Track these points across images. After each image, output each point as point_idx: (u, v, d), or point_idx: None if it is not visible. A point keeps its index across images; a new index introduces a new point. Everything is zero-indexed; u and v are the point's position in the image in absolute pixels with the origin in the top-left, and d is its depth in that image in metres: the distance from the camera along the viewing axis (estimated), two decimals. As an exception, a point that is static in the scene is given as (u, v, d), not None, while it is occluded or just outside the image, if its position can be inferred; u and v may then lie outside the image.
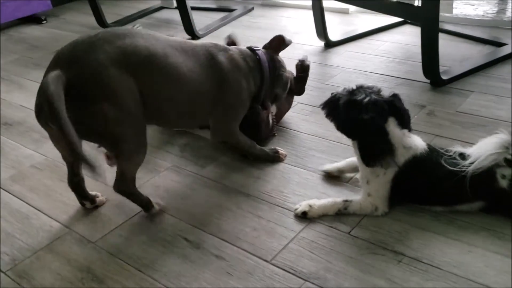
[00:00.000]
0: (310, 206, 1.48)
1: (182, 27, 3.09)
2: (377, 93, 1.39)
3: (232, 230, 1.46)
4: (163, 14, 3.77)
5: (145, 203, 1.52)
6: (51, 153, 1.96)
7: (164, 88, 1.44)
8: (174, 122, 1.63)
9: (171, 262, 1.36)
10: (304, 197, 1.56)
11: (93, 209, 1.60)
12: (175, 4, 3.36)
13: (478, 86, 2.14)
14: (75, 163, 1.54)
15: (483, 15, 2.86)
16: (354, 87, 1.42)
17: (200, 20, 3.35)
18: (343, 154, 1.74)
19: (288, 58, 2.63)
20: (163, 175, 1.74)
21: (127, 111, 1.34)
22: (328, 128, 1.91)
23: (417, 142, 1.42)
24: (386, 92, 1.42)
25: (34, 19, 3.86)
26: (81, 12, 3.99)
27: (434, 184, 1.40)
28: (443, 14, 2.79)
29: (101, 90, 1.29)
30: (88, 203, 1.60)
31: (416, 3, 2.63)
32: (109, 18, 3.56)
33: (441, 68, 2.17)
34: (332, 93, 1.46)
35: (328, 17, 2.72)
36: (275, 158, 1.75)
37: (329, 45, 2.75)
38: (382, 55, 2.57)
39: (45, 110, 1.28)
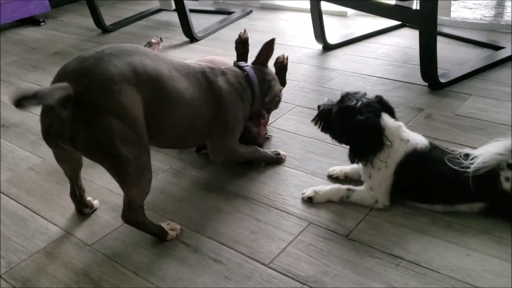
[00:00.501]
0: (316, 192, 1.54)
1: (180, 30, 3.09)
2: (364, 96, 1.46)
3: (230, 233, 1.45)
4: (162, 16, 3.77)
5: (158, 232, 1.44)
6: (48, 155, 1.95)
7: (168, 110, 1.41)
8: (172, 143, 1.60)
9: (169, 266, 1.36)
10: (303, 200, 1.55)
11: (91, 212, 1.60)
12: (173, 7, 3.36)
13: (476, 89, 2.14)
14: (78, 178, 1.54)
15: (480, 19, 2.86)
16: (342, 95, 1.47)
17: (198, 22, 3.35)
18: (341, 156, 1.74)
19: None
20: (161, 177, 1.73)
21: (135, 129, 1.28)
22: (326, 131, 1.91)
23: (416, 137, 1.46)
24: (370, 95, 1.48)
25: (32, 21, 3.86)
26: (79, 14, 3.98)
27: (435, 180, 1.41)
28: (441, 17, 2.78)
29: (110, 104, 1.24)
30: (88, 209, 1.59)
31: (414, 6, 2.64)
32: (108, 20, 3.56)
33: (439, 71, 2.17)
34: (318, 106, 1.52)
35: (326, 20, 2.72)
36: (278, 160, 1.76)
37: (327, 48, 2.75)
38: (380, 58, 2.57)
39: (54, 130, 1.27)
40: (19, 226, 1.57)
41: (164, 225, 1.45)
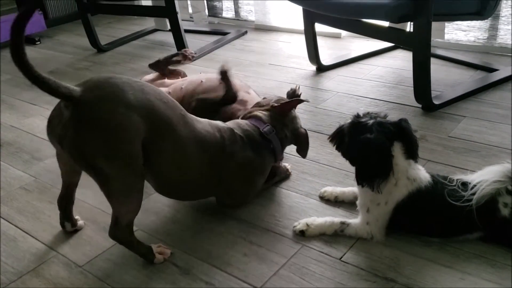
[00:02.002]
0: (308, 225, 1.48)
1: (175, 50, 3.10)
2: (383, 118, 1.38)
3: (222, 255, 1.44)
4: (157, 36, 3.79)
5: (145, 253, 1.42)
6: (41, 174, 1.94)
7: (165, 158, 1.40)
8: (168, 191, 1.57)
9: (160, 288, 1.34)
10: (296, 221, 1.54)
11: (81, 233, 1.58)
12: (168, 27, 3.37)
13: (470, 111, 2.15)
14: (71, 185, 1.53)
15: (474, 41, 2.89)
16: (358, 114, 1.41)
17: (193, 42, 3.36)
18: (335, 177, 1.74)
19: (279, 81, 2.64)
20: (153, 198, 1.72)
21: (126, 151, 1.27)
22: (319, 151, 1.91)
23: (422, 174, 1.39)
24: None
25: (28, 40, 3.86)
26: (74, 33, 4.00)
27: (435, 217, 1.38)
28: (434, 39, 2.81)
29: (108, 120, 1.24)
30: (69, 225, 1.58)
31: (408, 29, 2.66)
32: (103, 40, 3.57)
33: (433, 93, 2.18)
34: (339, 124, 1.45)
35: (320, 41, 2.74)
36: (288, 175, 1.79)
37: (321, 69, 2.76)
38: (374, 80, 2.58)
39: (52, 125, 1.29)
40: (10, 246, 1.55)
41: (154, 247, 1.43)
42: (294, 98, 1.78)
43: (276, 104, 1.66)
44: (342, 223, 1.46)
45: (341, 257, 1.39)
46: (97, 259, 1.46)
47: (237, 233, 1.52)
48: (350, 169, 1.77)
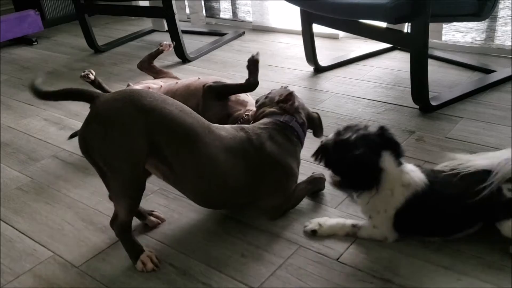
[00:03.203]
0: (320, 225, 1.48)
1: (173, 50, 3.09)
2: (365, 129, 1.35)
3: (220, 256, 1.44)
4: (154, 37, 3.78)
5: (132, 255, 1.41)
6: (37, 175, 1.94)
7: (191, 167, 1.39)
8: (225, 205, 1.57)
9: (156, 289, 1.34)
10: (293, 221, 1.54)
11: (78, 233, 1.58)
12: (166, 27, 3.37)
13: (467, 113, 2.15)
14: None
15: (472, 42, 2.89)
16: (341, 129, 1.38)
17: (191, 43, 3.36)
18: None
19: (277, 82, 2.64)
20: (150, 198, 1.72)
21: (128, 155, 1.29)
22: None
23: (417, 177, 1.36)
24: (373, 127, 1.37)
25: (25, 40, 3.86)
26: (72, 34, 3.99)
27: (435, 217, 1.36)
28: (432, 41, 2.81)
29: (117, 121, 1.28)
30: (150, 220, 1.58)
31: (405, 30, 2.66)
32: (100, 41, 3.57)
33: (430, 94, 2.18)
34: (321, 141, 1.42)
35: (318, 42, 2.74)
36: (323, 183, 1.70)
37: (319, 70, 2.76)
38: (371, 81, 2.58)
39: (90, 145, 1.31)
40: (6, 247, 1.54)
41: (145, 254, 1.40)
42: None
43: (281, 98, 1.66)
44: (354, 225, 1.45)
45: (338, 258, 1.39)
46: (94, 259, 1.46)
47: (234, 234, 1.52)
48: (347, 170, 1.77)
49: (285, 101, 1.64)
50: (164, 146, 1.33)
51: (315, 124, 1.74)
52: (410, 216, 1.37)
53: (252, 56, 1.85)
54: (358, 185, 1.35)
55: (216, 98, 1.88)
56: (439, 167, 1.44)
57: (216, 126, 1.48)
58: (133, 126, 1.28)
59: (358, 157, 1.29)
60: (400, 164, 1.35)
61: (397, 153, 1.35)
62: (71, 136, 2.23)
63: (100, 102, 1.31)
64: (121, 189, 1.34)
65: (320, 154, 1.40)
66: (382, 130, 1.36)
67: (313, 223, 1.49)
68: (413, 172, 1.37)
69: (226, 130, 1.49)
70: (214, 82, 1.90)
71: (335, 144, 1.35)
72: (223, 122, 1.73)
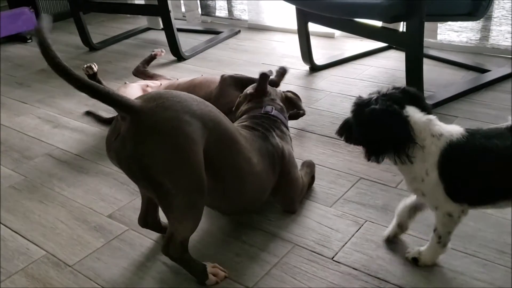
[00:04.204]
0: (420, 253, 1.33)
1: (168, 48, 3.09)
2: (386, 90, 1.24)
3: (214, 255, 1.43)
4: (149, 35, 3.77)
5: (198, 272, 1.32)
6: (30, 173, 1.93)
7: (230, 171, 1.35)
8: (251, 207, 1.55)
9: (150, 288, 1.33)
10: (289, 221, 1.53)
11: (71, 232, 1.57)
12: (161, 25, 3.36)
13: (462, 112, 2.15)
14: (151, 201, 1.41)
15: (466, 42, 2.89)
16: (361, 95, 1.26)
17: (186, 41, 3.35)
18: (327, 177, 1.73)
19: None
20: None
21: (190, 164, 1.18)
22: (311, 151, 1.91)
23: (450, 128, 1.20)
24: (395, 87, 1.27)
25: (19, 38, 3.84)
26: (66, 31, 3.97)
27: (485, 172, 1.16)
28: (427, 40, 2.81)
29: (172, 128, 1.16)
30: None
31: (401, 29, 2.66)
32: (95, 39, 3.55)
33: (425, 93, 2.18)
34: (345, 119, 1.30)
35: (313, 41, 2.73)
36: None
37: (314, 69, 2.76)
38: (367, 80, 2.58)
39: (108, 141, 1.22)
40: (-2, 246, 1.54)
41: (209, 266, 1.33)
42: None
43: (252, 91, 1.69)
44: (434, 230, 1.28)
45: (333, 257, 1.38)
46: (87, 258, 1.45)
47: (229, 233, 1.51)
48: (342, 169, 1.77)
49: (257, 95, 1.67)
50: (214, 152, 1.26)
51: (293, 102, 1.76)
52: (456, 176, 1.18)
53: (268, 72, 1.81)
54: (385, 144, 1.20)
55: (236, 88, 1.90)
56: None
57: (239, 128, 1.46)
58: (195, 135, 1.18)
59: (376, 110, 1.18)
60: (427, 115, 1.21)
61: (423, 106, 1.23)
62: (88, 114, 2.26)
63: (148, 115, 1.15)
64: (189, 205, 1.22)
65: (344, 128, 1.28)
66: (404, 88, 1.25)
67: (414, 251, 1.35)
68: (446, 125, 1.22)
69: (243, 131, 1.48)
70: (234, 73, 1.98)
71: (355, 106, 1.24)
72: (230, 113, 1.73)
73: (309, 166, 1.71)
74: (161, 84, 2.16)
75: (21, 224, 1.63)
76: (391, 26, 2.25)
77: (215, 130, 1.26)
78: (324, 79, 2.63)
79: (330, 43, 3.25)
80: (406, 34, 2.10)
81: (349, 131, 1.27)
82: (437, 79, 2.51)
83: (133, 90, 2.11)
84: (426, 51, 2.67)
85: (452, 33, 2.93)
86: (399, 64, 2.72)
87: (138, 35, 3.78)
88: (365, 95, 1.26)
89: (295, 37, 2.79)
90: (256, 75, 1.85)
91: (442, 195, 1.20)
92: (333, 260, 1.37)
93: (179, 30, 3.23)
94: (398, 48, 2.94)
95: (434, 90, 2.36)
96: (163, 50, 2.52)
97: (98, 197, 1.74)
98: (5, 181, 1.90)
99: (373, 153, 1.22)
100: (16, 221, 1.65)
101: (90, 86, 1.10)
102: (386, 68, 2.72)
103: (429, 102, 2.16)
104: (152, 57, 2.48)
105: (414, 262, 1.33)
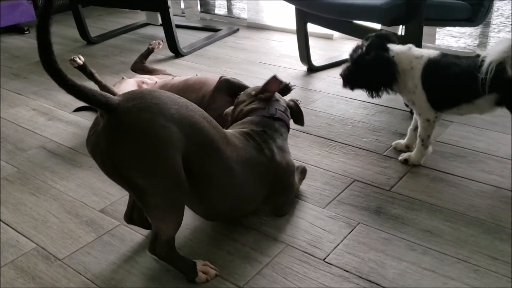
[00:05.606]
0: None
1: (166, 44, 3.07)
2: (366, 41, 1.73)
3: (206, 253, 1.42)
4: (148, 30, 3.76)
5: (187, 270, 1.31)
6: (23, 165, 1.92)
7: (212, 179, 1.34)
8: (236, 215, 1.53)
9: (140, 284, 1.32)
10: (281, 221, 1.53)
11: (62, 226, 1.56)
12: (160, 21, 3.35)
13: (457, 117, 2.14)
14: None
15: (464, 47, 2.89)
16: (350, 52, 1.77)
17: (184, 38, 3.34)
18: (322, 178, 1.73)
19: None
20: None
21: (166, 163, 1.17)
22: (306, 152, 1.90)
23: (428, 50, 1.65)
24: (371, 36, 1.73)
25: (17, 29, 3.82)
26: (64, 24, 3.95)
27: (454, 81, 1.58)
28: (425, 44, 2.81)
29: (147, 129, 1.14)
30: None
31: (399, 32, 2.65)
32: (93, 32, 3.54)
33: (422, 98, 2.18)
34: (340, 75, 1.81)
35: (312, 42, 2.73)
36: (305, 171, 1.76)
37: (312, 69, 2.76)
38: (364, 82, 2.57)
39: (88, 136, 1.20)
40: (-11, 237, 1.52)
41: (200, 264, 1.33)
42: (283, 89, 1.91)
43: (262, 95, 1.64)
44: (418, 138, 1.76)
45: (325, 258, 1.38)
46: (78, 252, 1.44)
47: (221, 231, 1.51)
48: (336, 171, 1.77)
49: (262, 92, 1.64)
50: (192, 158, 1.25)
51: (294, 112, 1.73)
52: (433, 84, 1.62)
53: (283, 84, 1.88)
54: (384, 80, 1.66)
55: (229, 93, 1.88)
56: None
57: (229, 134, 1.42)
58: (169, 138, 1.17)
59: (373, 59, 1.66)
60: (405, 45, 1.68)
61: (394, 40, 1.71)
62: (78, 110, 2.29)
63: (123, 114, 1.14)
64: (168, 204, 1.22)
65: (345, 80, 1.77)
66: (377, 34, 1.73)
67: (404, 155, 1.81)
68: (424, 49, 1.68)
69: (238, 138, 1.44)
70: (232, 78, 1.95)
71: (353, 61, 1.74)
72: (221, 118, 1.71)
73: (302, 172, 1.71)
74: (156, 82, 2.15)
75: (12, 216, 1.62)
76: (390, 29, 2.25)
77: (194, 136, 1.24)
78: (322, 80, 2.63)
79: (328, 44, 3.25)
80: (405, 38, 2.09)
81: (350, 76, 1.75)
82: (434, 83, 2.51)
83: (129, 85, 2.11)
84: (424, 55, 2.67)
85: (451, 38, 2.93)
86: (396, 68, 2.72)
87: (137, 30, 3.76)
88: (353, 49, 1.78)
89: (294, 37, 2.78)
90: (254, 74, 1.84)
91: (425, 102, 1.66)
92: (325, 262, 1.37)
93: (178, 26, 3.23)
94: (396, 51, 2.94)
95: (431, 94, 2.35)
96: (161, 42, 2.49)
97: (90, 191, 1.73)
98: (-2, 172, 1.89)
99: (374, 91, 1.70)
100: (7, 213, 1.63)
101: (66, 82, 1.11)
102: (384, 71, 2.71)
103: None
104: (150, 51, 2.45)
105: (405, 162, 1.79)
